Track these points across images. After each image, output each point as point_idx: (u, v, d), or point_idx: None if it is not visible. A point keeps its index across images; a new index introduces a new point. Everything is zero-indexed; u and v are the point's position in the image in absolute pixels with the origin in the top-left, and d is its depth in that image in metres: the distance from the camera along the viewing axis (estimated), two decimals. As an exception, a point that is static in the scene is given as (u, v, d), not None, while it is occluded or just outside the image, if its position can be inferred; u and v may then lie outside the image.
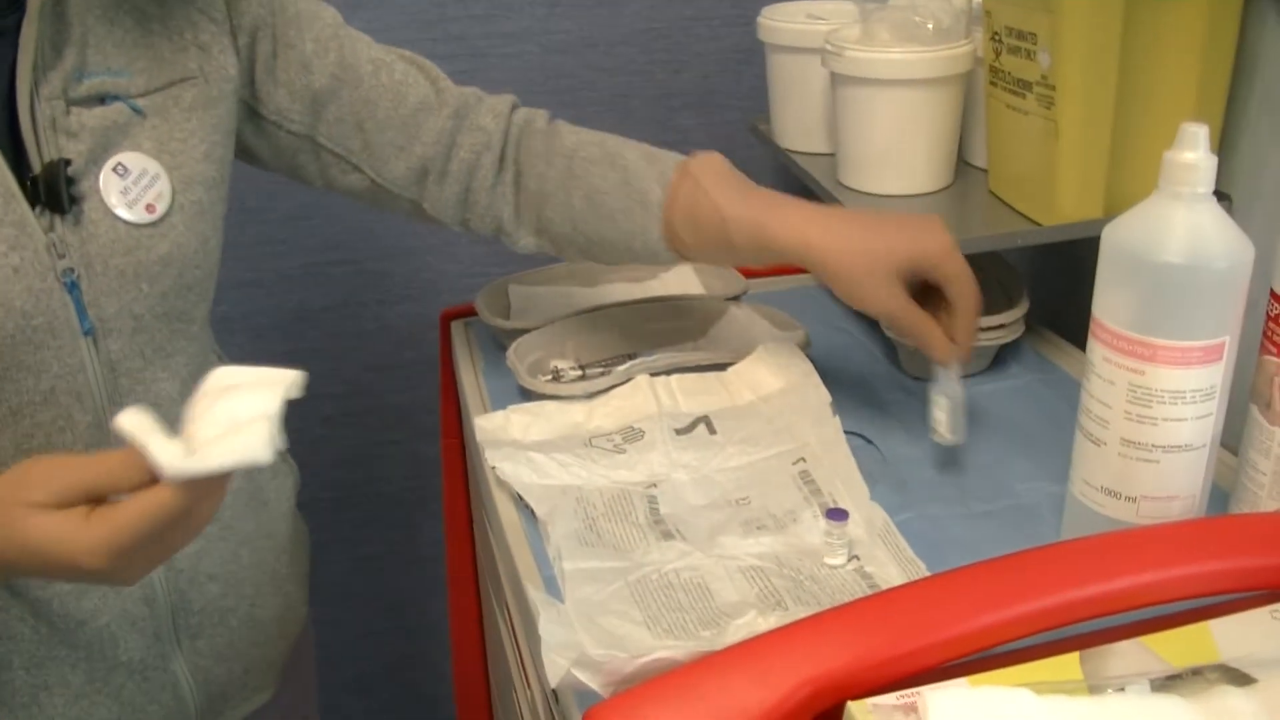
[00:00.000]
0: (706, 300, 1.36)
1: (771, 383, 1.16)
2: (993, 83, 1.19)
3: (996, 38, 1.15)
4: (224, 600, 1.05)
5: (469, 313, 1.44)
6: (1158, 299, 0.81)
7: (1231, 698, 0.66)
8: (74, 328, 0.88)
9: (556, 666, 0.75)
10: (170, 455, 0.67)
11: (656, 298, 1.37)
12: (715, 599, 0.87)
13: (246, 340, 1.79)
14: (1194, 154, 0.79)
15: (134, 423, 0.68)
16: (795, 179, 1.45)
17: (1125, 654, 0.69)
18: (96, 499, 0.70)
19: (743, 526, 0.97)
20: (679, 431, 1.11)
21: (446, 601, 1.67)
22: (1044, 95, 1.09)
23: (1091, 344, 0.86)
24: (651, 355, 1.27)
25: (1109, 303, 0.84)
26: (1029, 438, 1.12)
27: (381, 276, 1.80)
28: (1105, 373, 0.85)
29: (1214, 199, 0.80)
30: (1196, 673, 0.68)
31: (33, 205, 0.85)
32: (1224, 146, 1.11)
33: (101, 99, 0.89)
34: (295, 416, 1.91)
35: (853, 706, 0.66)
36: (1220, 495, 0.95)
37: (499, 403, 1.20)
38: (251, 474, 1.08)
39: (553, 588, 0.92)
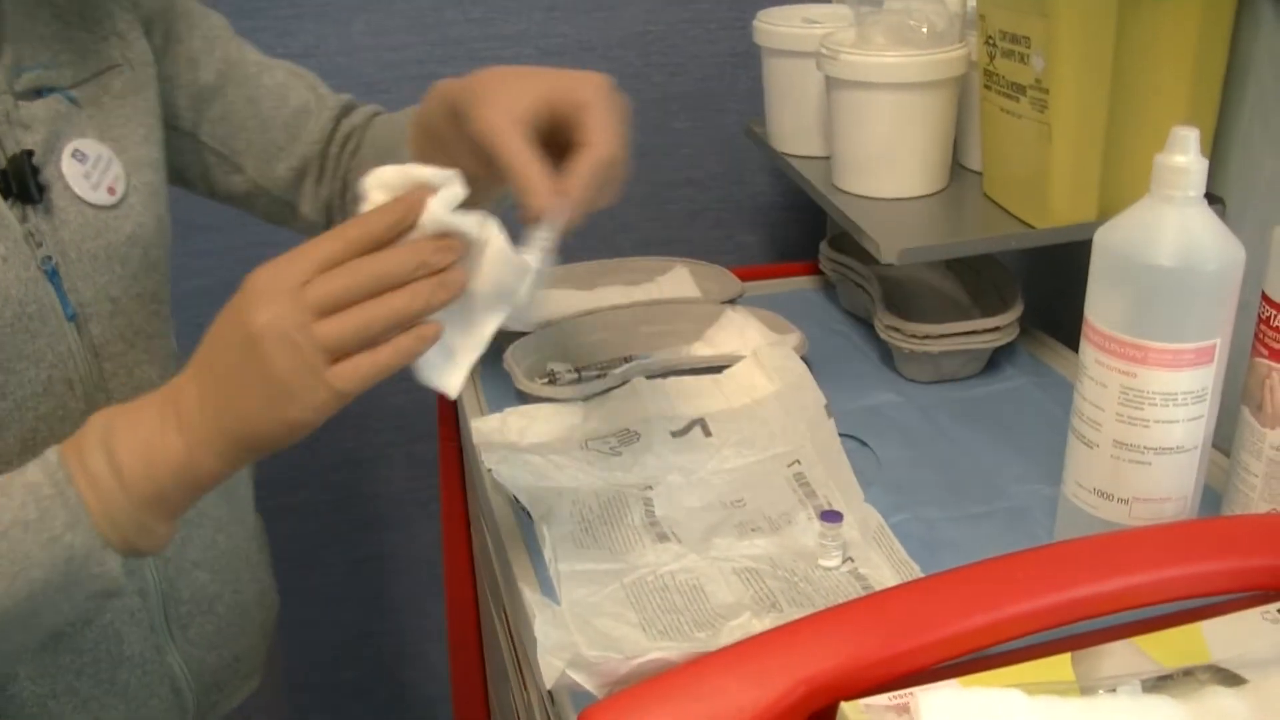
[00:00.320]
0: (702, 303, 1.36)
1: (767, 385, 1.16)
2: (987, 86, 1.19)
3: (990, 41, 1.16)
4: (209, 587, 1.05)
5: (466, 315, 1.44)
6: (1149, 301, 0.81)
7: (1223, 698, 0.67)
8: (59, 314, 0.89)
9: (552, 668, 0.75)
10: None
11: (652, 301, 1.37)
12: (710, 601, 0.88)
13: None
14: (1185, 157, 0.79)
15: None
16: (791, 181, 1.45)
17: (1117, 655, 0.70)
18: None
19: (737, 528, 0.97)
20: (674, 434, 1.11)
21: (444, 603, 1.68)
22: (1038, 99, 1.10)
23: (1083, 346, 0.87)
24: (647, 358, 1.27)
25: (1101, 305, 0.84)
26: (1022, 440, 1.13)
27: (379, 279, 1.80)
28: (1097, 375, 0.85)
29: (1205, 202, 0.81)
30: (1188, 673, 0.69)
31: (4, 198, 0.86)
32: (1216, 150, 1.11)
33: (39, 92, 0.90)
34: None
35: (846, 707, 0.66)
36: (1212, 497, 0.95)
37: (496, 405, 1.20)
38: None
39: (548, 589, 0.93)
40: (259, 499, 1.89)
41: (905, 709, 0.65)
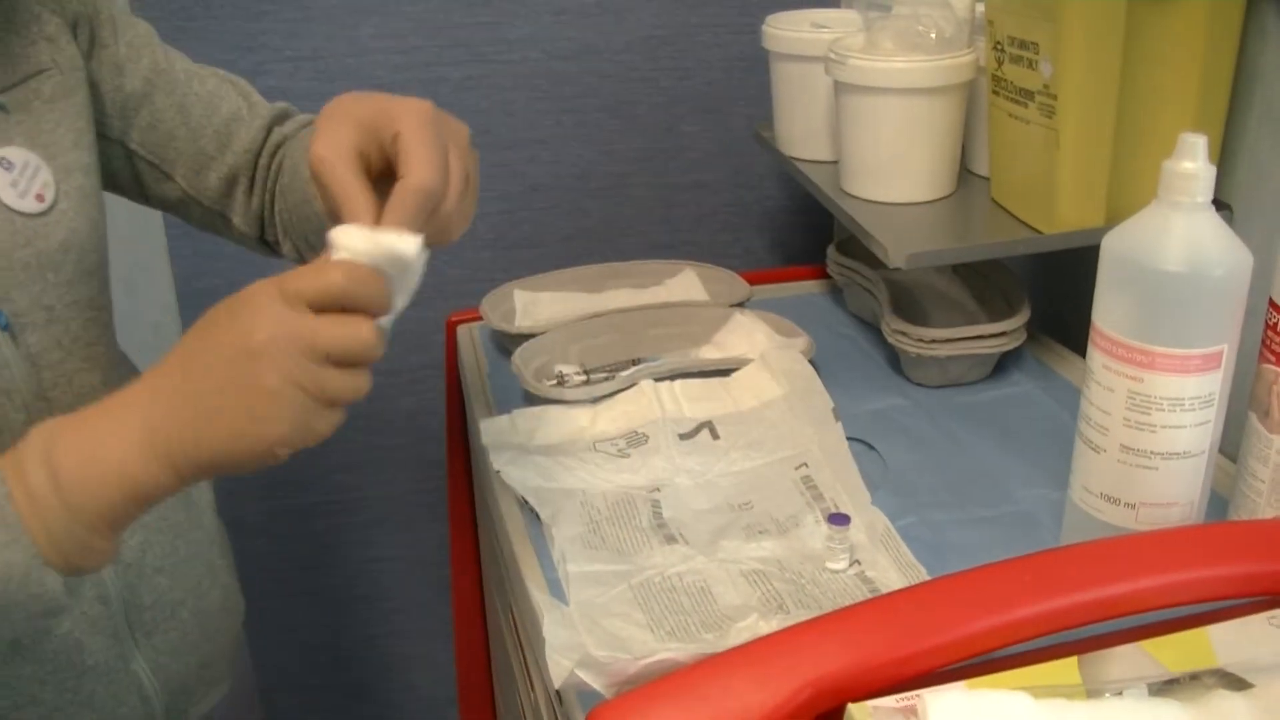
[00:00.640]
0: (710, 307, 1.37)
1: (774, 389, 1.17)
2: (995, 92, 1.20)
3: (999, 47, 1.16)
4: (171, 593, 1.04)
5: (474, 318, 1.45)
6: (1157, 307, 0.81)
7: (1229, 702, 0.67)
8: None
9: (560, 667, 0.75)
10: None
11: (660, 304, 1.38)
12: (717, 602, 0.88)
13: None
14: (1193, 164, 0.79)
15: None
16: (798, 186, 1.46)
17: (1124, 658, 0.70)
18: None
19: (745, 531, 0.98)
20: (682, 436, 1.12)
21: (450, 604, 1.68)
22: (1046, 104, 1.10)
23: (1091, 351, 0.87)
24: (655, 360, 1.28)
25: (1108, 310, 0.85)
26: (1029, 444, 1.13)
27: (386, 281, 1.80)
28: (1105, 380, 0.85)
29: (1213, 208, 0.81)
30: (1194, 678, 0.69)
31: None
32: (1224, 156, 1.11)
33: None
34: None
35: (853, 709, 0.67)
36: (1219, 502, 0.95)
37: (504, 407, 1.21)
38: None
39: (556, 590, 0.93)
40: (266, 500, 1.91)
41: (912, 711, 0.66)
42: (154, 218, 1.68)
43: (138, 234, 1.69)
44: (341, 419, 0.74)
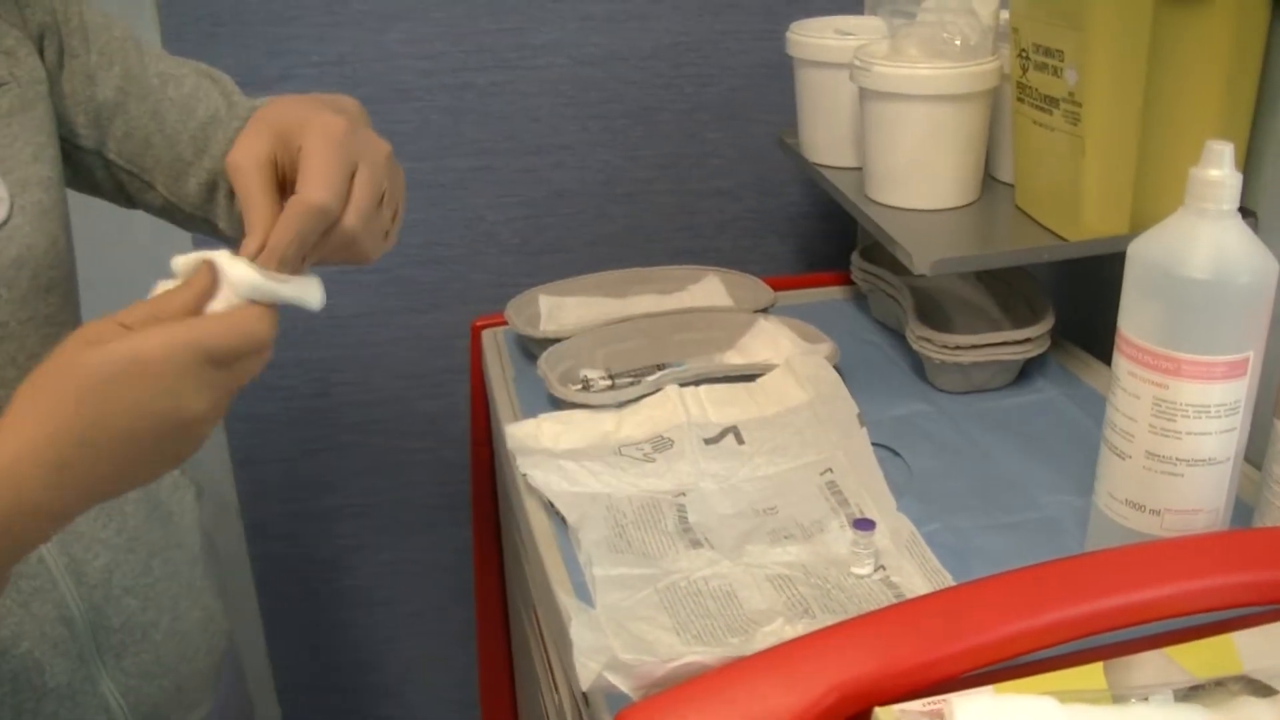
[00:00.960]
0: (735, 312, 1.37)
1: (799, 394, 1.17)
2: (1019, 99, 1.20)
3: (1024, 54, 1.17)
4: (144, 615, 1.01)
5: (499, 322, 1.45)
6: (1182, 314, 0.82)
7: (1254, 709, 0.67)
8: None
9: (588, 670, 0.76)
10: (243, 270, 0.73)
11: (685, 309, 1.38)
12: (743, 606, 0.89)
13: (277, 347, 1.78)
14: (1219, 171, 0.80)
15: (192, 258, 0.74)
16: (821, 192, 1.46)
17: (1149, 664, 0.70)
18: None
19: (770, 535, 0.98)
20: (708, 441, 1.12)
21: (470, 607, 1.69)
22: (1070, 112, 1.10)
23: (1117, 358, 0.87)
24: (680, 366, 1.29)
25: (1134, 317, 0.85)
26: (1053, 451, 1.13)
27: (411, 285, 1.82)
28: (1130, 386, 0.86)
29: (1239, 215, 0.81)
30: (1219, 684, 0.69)
31: None
32: (1249, 163, 1.11)
33: None
34: (323, 423, 1.93)
35: (880, 713, 0.67)
36: (1244, 510, 0.96)
37: (529, 411, 1.21)
38: (149, 487, 1.05)
39: (583, 593, 0.93)
40: (288, 503, 1.92)
41: (939, 715, 0.66)
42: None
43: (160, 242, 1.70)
44: None
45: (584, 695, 0.90)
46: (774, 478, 1.08)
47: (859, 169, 1.38)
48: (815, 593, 0.90)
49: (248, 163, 0.78)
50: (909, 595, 0.89)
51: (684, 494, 1.05)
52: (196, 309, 0.73)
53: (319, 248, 0.78)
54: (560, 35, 1.71)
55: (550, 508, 1.05)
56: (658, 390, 1.19)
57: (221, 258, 0.73)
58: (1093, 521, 0.94)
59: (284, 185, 0.79)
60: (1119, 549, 0.80)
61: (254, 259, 0.75)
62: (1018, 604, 0.74)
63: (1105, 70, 1.06)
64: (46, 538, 0.72)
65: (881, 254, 1.43)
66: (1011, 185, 1.29)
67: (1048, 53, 1.12)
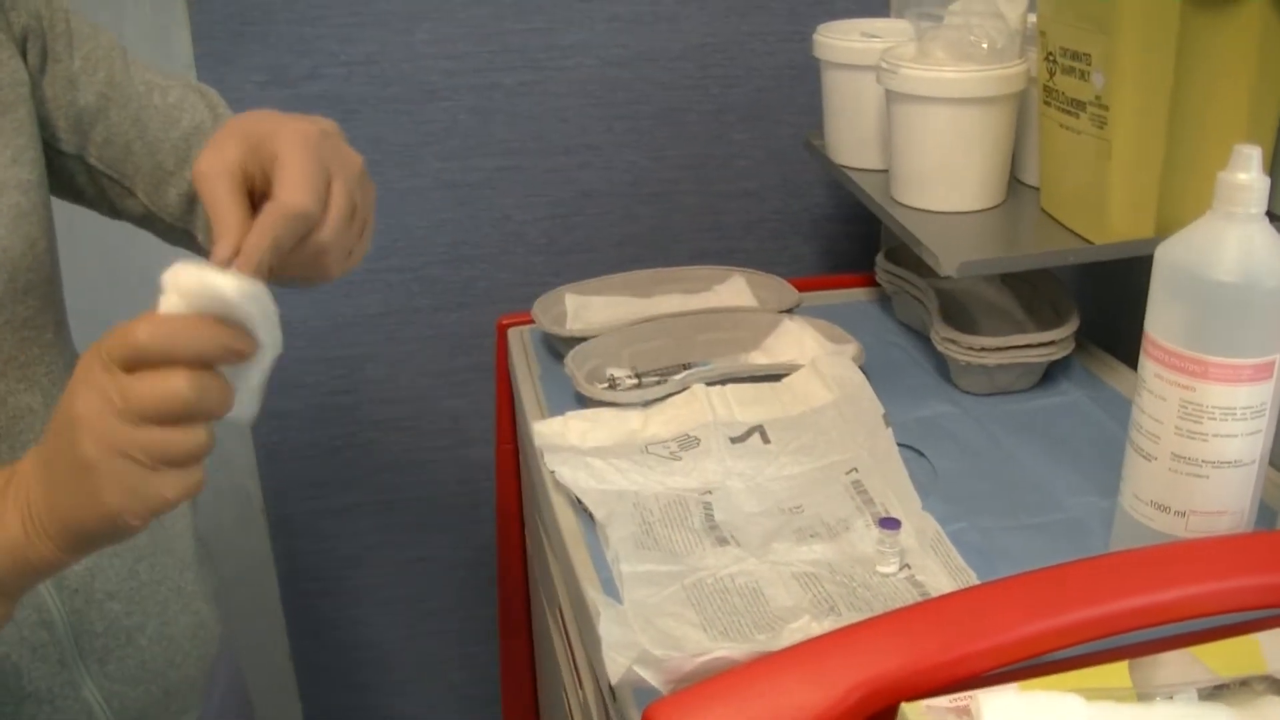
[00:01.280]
0: (760, 312, 1.38)
1: (825, 394, 1.18)
2: (1046, 102, 1.20)
3: (1051, 58, 1.17)
4: (128, 619, 1.00)
5: (526, 320, 1.46)
6: (1210, 317, 0.82)
7: (1278, 708, 0.68)
8: None
9: (617, 664, 0.77)
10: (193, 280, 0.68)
11: (711, 309, 1.39)
12: (769, 604, 0.89)
13: (305, 344, 1.82)
14: (1247, 175, 0.80)
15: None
16: (846, 194, 1.47)
17: (1174, 663, 0.71)
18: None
19: (796, 534, 0.99)
20: (734, 440, 1.13)
21: (492, 605, 1.70)
22: (1097, 115, 1.11)
23: (1143, 360, 0.88)
24: (706, 365, 1.29)
25: (1161, 320, 0.85)
26: (1078, 453, 1.14)
27: (437, 284, 1.83)
28: (1157, 389, 0.86)
29: (1266, 219, 0.82)
30: (1244, 683, 0.70)
31: None
32: (1276, 167, 1.12)
33: None
34: (347, 420, 1.94)
35: (906, 708, 0.68)
36: (1267, 514, 0.96)
37: (555, 409, 1.22)
38: None
39: (610, 589, 0.94)
40: (311, 500, 1.93)
41: (965, 711, 0.67)
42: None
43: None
44: (194, 478, 0.69)
45: (611, 691, 0.90)
46: (800, 477, 1.08)
47: (884, 171, 1.39)
48: (841, 590, 0.90)
49: (215, 170, 0.75)
50: (934, 594, 0.90)
51: (710, 492, 1.06)
52: None
53: (287, 257, 0.75)
54: (588, 36, 1.72)
55: (577, 505, 1.06)
56: (684, 389, 1.20)
57: (178, 270, 0.68)
58: (1117, 522, 0.95)
59: (253, 196, 0.76)
60: (1144, 549, 0.81)
61: (228, 266, 0.70)
62: (1043, 603, 0.75)
63: (1132, 74, 1.07)
64: (53, 560, 0.71)
65: (906, 256, 1.44)
66: (1037, 188, 1.29)
67: (1075, 56, 1.12)
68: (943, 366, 1.30)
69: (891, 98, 1.28)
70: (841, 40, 1.41)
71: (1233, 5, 1.03)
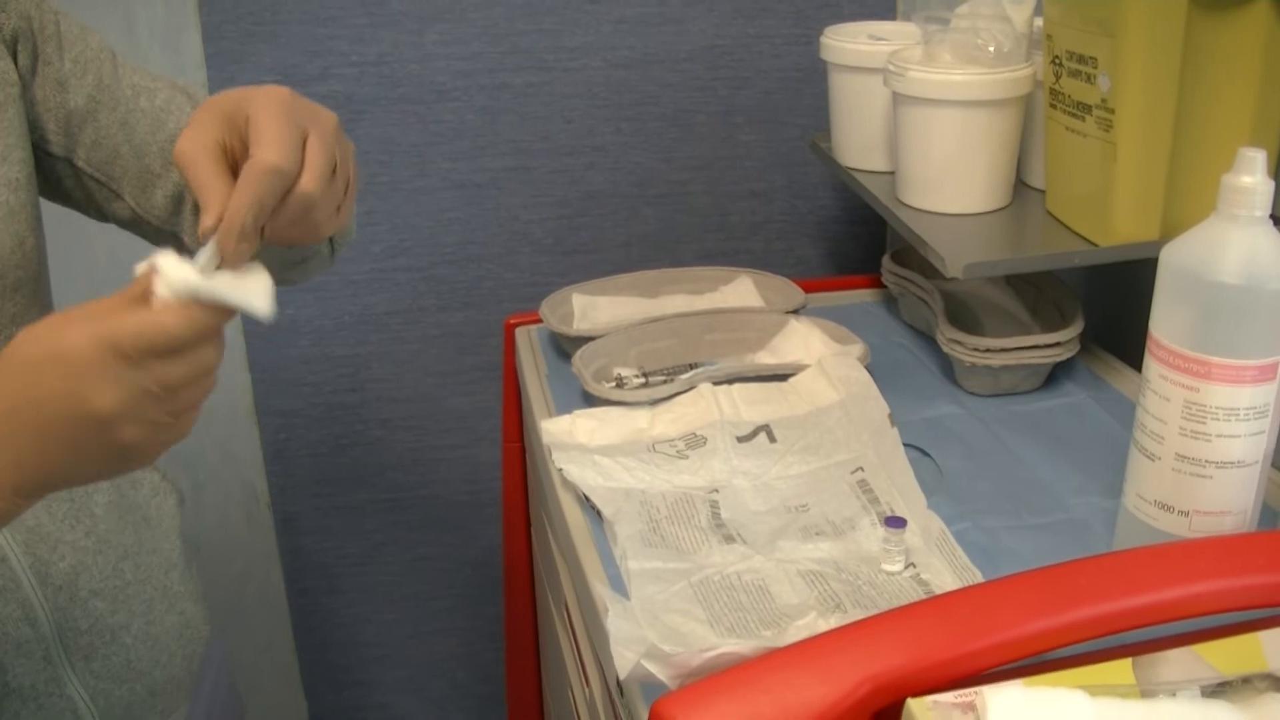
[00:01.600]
0: (767, 313, 1.38)
1: (831, 394, 1.18)
2: (1052, 105, 1.21)
3: (1057, 61, 1.18)
4: (113, 617, 1.01)
5: (533, 320, 1.47)
6: (1214, 318, 0.83)
7: (1279, 705, 0.68)
8: None
9: (625, 659, 0.78)
10: (182, 272, 0.70)
11: (718, 309, 1.40)
12: (775, 601, 0.90)
13: (310, 343, 1.83)
14: (1251, 178, 0.81)
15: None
16: (852, 196, 1.47)
17: (1176, 661, 0.71)
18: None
19: (802, 532, 1.00)
20: (740, 439, 1.13)
21: (497, 603, 1.70)
22: (1103, 118, 1.11)
23: (1148, 361, 0.88)
24: (713, 365, 1.30)
25: (1166, 321, 0.86)
26: (1082, 453, 1.14)
27: (444, 283, 1.83)
28: (1161, 389, 0.87)
29: (1270, 222, 0.82)
30: (1246, 681, 0.70)
31: None
32: (1280, 171, 1.12)
33: None
34: (354, 418, 1.94)
35: (912, 704, 0.68)
36: (1270, 514, 0.97)
37: (563, 407, 1.23)
38: (123, 489, 1.06)
39: (617, 586, 0.95)
40: (318, 498, 1.94)
41: (971, 707, 0.67)
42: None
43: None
44: (198, 412, 0.73)
45: (619, 686, 0.91)
46: (806, 476, 1.09)
47: (891, 173, 1.39)
48: (846, 588, 0.91)
49: (194, 147, 0.75)
50: (939, 592, 0.90)
51: (717, 490, 1.06)
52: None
53: (275, 217, 0.76)
54: (596, 38, 1.72)
55: (585, 502, 1.07)
56: (691, 388, 1.21)
57: (164, 259, 0.71)
58: (1121, 522, 0.96)
59: (235, 170, 0.76)
60: (1147, 548, 0.81)
61: (212, 233, 0.73)
62: (1047, 600, 0.75)
63: (1138, 77, 1.07)
64: (8, 512, 0.72)
65: (912, 257, 1.45)
66: (1043, 190, 1.30)
67: (1081, 59, 1.13)
68: (948, 367, 1.31)
69: (898, 100, 1.29)
70: (848, 43, 1.42)
71: (1238, 9, 1.04)
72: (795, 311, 1.39)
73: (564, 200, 1.81)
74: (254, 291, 0.73)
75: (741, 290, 1.48)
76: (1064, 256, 1.19)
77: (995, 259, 1.22)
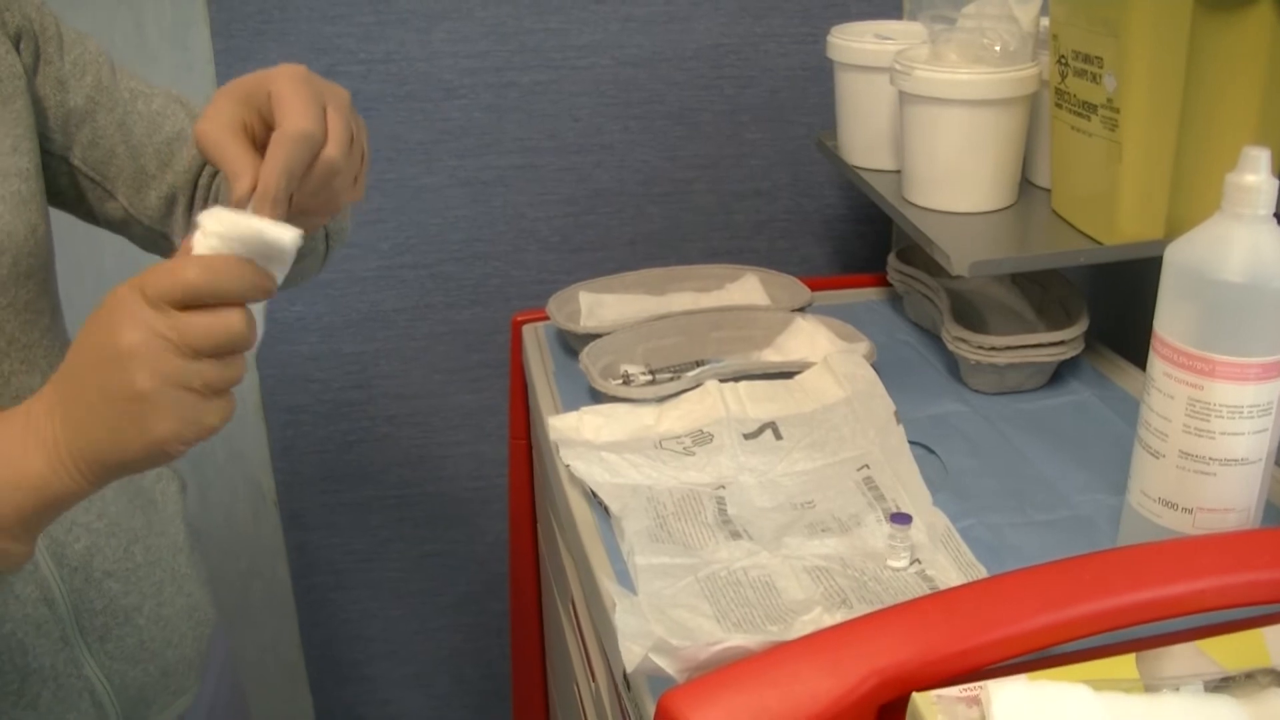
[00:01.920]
0: (773, 310, 1.39)
1: (837, 391, 1.19)
2: (1058, 104, 1.21)
3: (1063, 61, 1.18)
4: (126, 599, 1.03)
5: (540, 317, 1.47)
6: (1218, 316, 0.83)
7: (1282, 700, 0.69)
8: None
9: (633, 653, 0.78)
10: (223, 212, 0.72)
11: (724, 307, 1.40)
12: (781, 596, 0.90)
13: (318, 340, 1.84)
14: (1256, 177, 0.81)
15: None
16: (858, 195, 1.48)
17: (1180, 656, 0.72)
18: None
19: (808, 528, 1.00)
20: (746, 436, 1.14)
21: (503, 599, 1.71)
22: (1108, 118, 1.12)
23: (1152, 359, 0.89)
24: (719, 362, 1.31)
25: (1170, 319, 0.87)
26: (1086, 451, 1.15)
27: (451, 280, 1.84)
28: (1165, 387, 0.87)
29: (1274, 221, 0.83)
30: (1249, 676, 0.71)
31: None
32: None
33: None
34: (361, 415, 1.95)
35: (917, 697, 0.69)
36: (1273, 512, 0.97)
37: (570, 404, 1.24)
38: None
39: (624, 582, 0.95)
40: (325, 494, 1.94)
41: (975, 701, 0.68)
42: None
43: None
44: (231, 405, 0.73)
45: (626, 681, 0.92)
46: (812, 472, 1.09)
47: (897, 172, 1.40)
48: (852, 584, 0.91)
49: (215, 127, 0.77)
50: (944, 588, 0.91)
51: (723, 487, 1.07)
52: None
53: (301, 185, 0.78)
54: (603, 36, 1.73)
55: (592, 498, 1.08)
56: (697, 386, 1.21)
57: (206, 214, 0.72)
58: (1125, 519, 0.96)
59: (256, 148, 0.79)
60: (1151, 545, 0.82)
61: (247, 202, 0.75)
62: (1052, 595, 0.76)
63: (1143, 77, 1.08)
64: (79, 492, 0.74)
65: (918, 256, 1.45)
66: (1048, 189, 1.31)
67: (1087, 59, 1.13)
68: (953, 365, 1.31)
69: (904, 99, 1.30)
70: (855, 42, 1.43)
71: (1243, 9, 1.04)
72: (801, 309, 1.40)
73: (571, 198, 1.82)
74: (285, 229, 0.74)
75: (748, 288, 1.48)
76: (1069, 255, 1.20)
77: (1001, 257, 1.22)
